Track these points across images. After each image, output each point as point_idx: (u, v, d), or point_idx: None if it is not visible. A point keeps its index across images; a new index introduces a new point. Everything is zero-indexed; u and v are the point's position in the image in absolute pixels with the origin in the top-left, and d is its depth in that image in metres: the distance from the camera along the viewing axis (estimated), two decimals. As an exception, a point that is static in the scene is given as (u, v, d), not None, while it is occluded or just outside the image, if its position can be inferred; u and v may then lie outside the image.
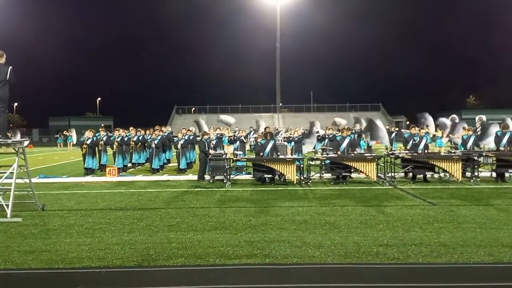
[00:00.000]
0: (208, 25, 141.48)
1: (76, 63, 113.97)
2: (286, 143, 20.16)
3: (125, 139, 18.99)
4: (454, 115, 21.64)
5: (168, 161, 21.37)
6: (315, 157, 15.33)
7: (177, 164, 18.97)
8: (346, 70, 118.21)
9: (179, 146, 18.51)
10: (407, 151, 15.18)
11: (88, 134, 18.37)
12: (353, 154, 14.80)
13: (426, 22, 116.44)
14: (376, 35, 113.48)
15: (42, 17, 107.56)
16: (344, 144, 14.99)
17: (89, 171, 18.06)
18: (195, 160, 20.22)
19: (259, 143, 14.97)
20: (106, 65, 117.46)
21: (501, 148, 14.81)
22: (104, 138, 18.73)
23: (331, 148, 15.97)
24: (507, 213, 9.47)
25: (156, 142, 18.52)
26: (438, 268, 6.13)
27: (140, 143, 19.47)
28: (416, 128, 16.12)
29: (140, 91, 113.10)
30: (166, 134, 20.61)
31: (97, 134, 18.76)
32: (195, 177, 16.08)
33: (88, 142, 18.08)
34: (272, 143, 14.89)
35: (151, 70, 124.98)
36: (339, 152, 14.93)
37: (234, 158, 15.33)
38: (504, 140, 14.91)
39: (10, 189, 9.58)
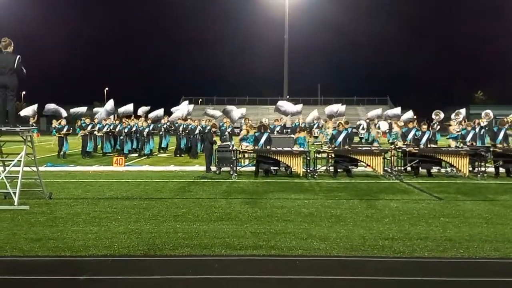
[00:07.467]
0: (217, 17, 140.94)
1: (85, 53, 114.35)
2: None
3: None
4: (459, 110, 21.51)
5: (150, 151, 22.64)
6: (321, 150, 15.30)
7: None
8: (353, 64, 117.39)
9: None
10: (414, 146, 15.10)
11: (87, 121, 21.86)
12: (348, 148, 14.70)
13: (435, 16, 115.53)
14: (384, 28, 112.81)
15: (51, 7, 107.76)
16: (340, 139, 14.93)
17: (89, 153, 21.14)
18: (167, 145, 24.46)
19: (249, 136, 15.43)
20: (114, 56, 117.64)
21: (498, 145, 14.79)
22: (89, 127, 21.46)
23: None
24: (514, 209, 9.43)
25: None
26: (443, 262, 6.13)
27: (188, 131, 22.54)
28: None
29: (148, 81, 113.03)
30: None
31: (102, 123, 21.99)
32: (202, 168, 16.12)
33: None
34: (266, 135, 14.83)
35: (160, 61, 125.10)
36: (334, 147, 14.81)
37: (241, 150, 15.33)
38: (500, 136, 14.89)
39: (18, 177, 9.65)
